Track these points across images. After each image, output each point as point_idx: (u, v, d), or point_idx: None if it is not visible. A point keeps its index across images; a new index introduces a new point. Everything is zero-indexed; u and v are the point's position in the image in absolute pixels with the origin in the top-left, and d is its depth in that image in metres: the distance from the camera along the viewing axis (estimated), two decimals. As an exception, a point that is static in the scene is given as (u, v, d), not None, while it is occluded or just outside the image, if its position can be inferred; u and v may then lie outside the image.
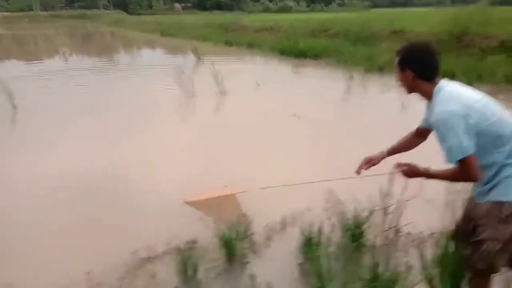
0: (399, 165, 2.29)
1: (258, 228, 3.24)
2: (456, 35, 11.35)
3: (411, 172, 2.22)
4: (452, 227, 2.51)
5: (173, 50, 19.19)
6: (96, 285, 2.64)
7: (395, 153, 2.51)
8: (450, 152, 1.92)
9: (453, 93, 1.96)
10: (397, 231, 3.13)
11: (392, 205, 3.08)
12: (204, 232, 3.15)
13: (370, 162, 2.49)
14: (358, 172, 2.51)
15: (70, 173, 4.48)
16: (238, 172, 4.45)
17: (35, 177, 4.46)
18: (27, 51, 20.19)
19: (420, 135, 2.39)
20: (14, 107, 7.45)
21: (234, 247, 2.94)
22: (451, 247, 2.32)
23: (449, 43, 11.31)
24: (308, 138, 5.64)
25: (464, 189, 3.52)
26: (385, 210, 3.16)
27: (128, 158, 4.97)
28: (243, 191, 3.69)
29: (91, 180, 4.32)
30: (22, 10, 71.98)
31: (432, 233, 3.13)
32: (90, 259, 2.94)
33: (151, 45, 22.17)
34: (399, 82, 2.15)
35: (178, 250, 2.81)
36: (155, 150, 5.28)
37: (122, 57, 16.99)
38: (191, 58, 14.09)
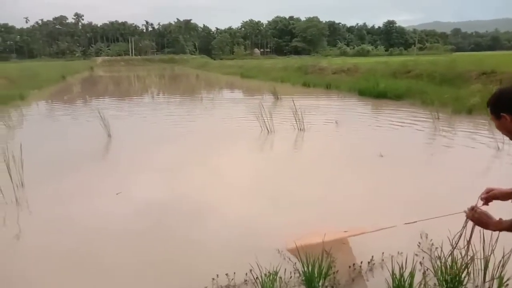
0: (472, 209, 2.15)
1: (342, 268, 3.07)
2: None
3: (479, 222, 2.14)
4: None
5: (252, 91, 19.91)
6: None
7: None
8: None
9: None
10: (503, 283, 2.76)
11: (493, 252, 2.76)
12: (284, 264, 3.06)
13: (490, 193, 2.28)
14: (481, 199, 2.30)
15: (154, 198, 4.69)
16: (323, 210, 4.33)
17: (123, 200, 4.74)
18: (122, 90, 22.24)
19: None
20: (109, 135, 8.20)
21: (316, 284, 2.80)
22: None
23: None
24: (393, 177, 5.36)
25: None
26: (486, 259, 2.84)
27: (210, 186, 5.11)
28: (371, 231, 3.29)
29: (170, 206, 4.48)
30: (119, 55, 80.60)
31: (546, 289, 2.71)
32: (170, 284, 2.98)
33: (232, 85, 23.26)
34: (500, 131, 2.06)
35: (258, 281, 2.74)
36: (236, 181, 5.37)
37: (205, 96, 17.98)
38: (269, 98, 14.48)
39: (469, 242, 2.57)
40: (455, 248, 2.62)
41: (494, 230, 2.13)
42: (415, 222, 2.69)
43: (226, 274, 2.98)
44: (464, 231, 2.53)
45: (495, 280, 2.79)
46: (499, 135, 7.10)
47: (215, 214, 4.25)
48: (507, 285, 2.75)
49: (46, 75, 26.39)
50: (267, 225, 3.89)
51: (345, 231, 3.45)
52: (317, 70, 23.22)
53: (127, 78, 31.53)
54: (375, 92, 13.61)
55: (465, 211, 2.23)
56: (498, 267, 2.77)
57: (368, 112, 11.66)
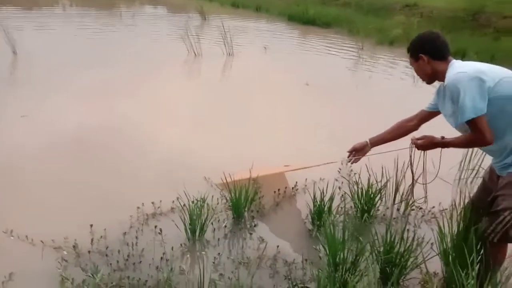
0: (415, 139, 2.32)
1: (268, 193, 3.17)
2: (471, 13, 11.03)
3: (428, 143, 2.27)
4: (463, 202, 2.46)
5: (177, 8, 18.58)
6: (100, 238, 2.57)
7: (379, 144, 2.63)
8: (463, 112, 1.92)
9: (467, 62, 2.05)
10: (408, 205, 3.07)
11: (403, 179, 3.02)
12: (211, 192, 3.07)
13: (356, 154, 2.68)
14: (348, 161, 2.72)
15: (71, 127, 4.35)
16: (243, 140, 4.35)
17: (36, 126, 4.33)
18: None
19: (420, 120, 2.45)
20: (14, 52, 7.24)
21: (242, 209, 2.87)
22: (465, 221, 2.25)
23: (463, 21, 11.02)
24: (320, 107, 5.49)
25: (476, 167, 3.48)
26: (397, 184, 3.11)
27: (132, 114, 4.81)
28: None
29: (94, 135, 4.19)
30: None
31: (444, 209, 3.07)
32: (93, 212, 2.87)
33: (154, 2, 21.46)
34: (418, 74, 2.23)
35: (185, 208, 2.73)
36: (161, 108, 5.12)
37: (124, 12, 16.42)
38: (196, 17, 13.66)
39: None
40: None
41: (440, 146, 2.25)
42: (356, 158, 2.78)
43: (152, 203, 2.93)
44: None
45: (403, 202, 3.09)
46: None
47: (139, 143, 4.06)
48: (413, 206, 3.06)
49: None
50: (195, 157, 3.80)
51: (285, 166, 3.45)
52: (247, -10, 22.14)
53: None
54: (305, 18, 13.48)
55: (410, 147, 2.43)
56: (406, 192, 3.05)
57: (296, 38, 11.59)
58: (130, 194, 3.10)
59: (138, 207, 2.89)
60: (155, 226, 2.70)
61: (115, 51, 8.17)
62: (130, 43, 9.11)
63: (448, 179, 3.49)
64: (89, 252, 2.44)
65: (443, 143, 2.23)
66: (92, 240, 2.55)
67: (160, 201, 2.95)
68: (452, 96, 1.97)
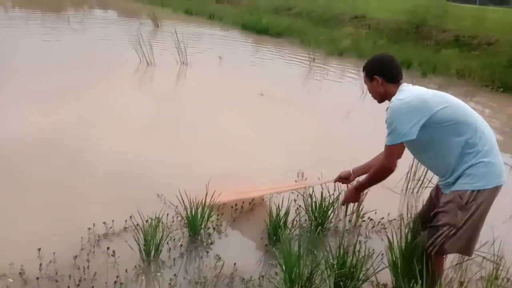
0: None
1: (225, 209, 3.17)
2: (414, 25, 11.70)
3: (351, 196, 2.62)
4: (411, 214, 2.62)
5: (128, 13, 18.17)
6: (49, 263, 2.45)
7: (361, 174, 2.74)
8: (391, 135, 2.11)
9: (412, 90, 2.16)
10: (359, 216, 3.19)
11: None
12: (166, 210, 3.01)
13: (341, 182, 2.88)
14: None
15: (17, 134, 4.11)
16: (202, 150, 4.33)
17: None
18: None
19: None
20: None
21: (198, 227, 2.85)
22: (413, 233, 2.38)
23: (407, 33, 11.66)
24: (275, 118, 5.57)
25: (422, 177, 3.69)
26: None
27: (76, 127, 4.60)
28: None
29: (41, 144, 3.99)
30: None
31: (393, 219, 3.22)
32: (41, 235, 2.71)
33: (105, 5, 20.83)
34: (371, 93, 2.36)
35: (139, 227, 2.66)
36: (110, 120, 4.94)
37: (72, 15, 15.82)
38: (148, 23, 13.41)
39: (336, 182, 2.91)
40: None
41: (359, 189, 2.57)
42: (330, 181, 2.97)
43: (104, 222, 2.83)
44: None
45: (354, 214, 3.21)
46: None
47: (85, 158, 3.88)
48: (363, 217, 3.19)
49: None
50: (147, 172, 3.70)
51: (271, 187, 3.39)
52: (200, -3, 22.08)
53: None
54: (258, 28, 13.67)
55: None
56: (356, 205, 3.17)
57: (250, 48, 11.71)
58: (79, 214, 2.98)
59: (89, 228, 2.78)
60: (108, 248, 2.61)
61: (60, 57, 7.84)
62: (77, 49, 8.79)
63: (396, 190, 3.68)
64: (37, 278, 2.31)
65: (360, 186, 2.50)
66: (40, 265, 2.40)
67: (112, 220, 2.85)
68: (386, 120, 2.14)
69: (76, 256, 2.53)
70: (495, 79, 8.17)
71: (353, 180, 2.80)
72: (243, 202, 3.28)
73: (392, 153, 2.17)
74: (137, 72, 7.50)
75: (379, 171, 2.29)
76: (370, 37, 11.76)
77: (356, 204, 3.13)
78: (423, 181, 3.67)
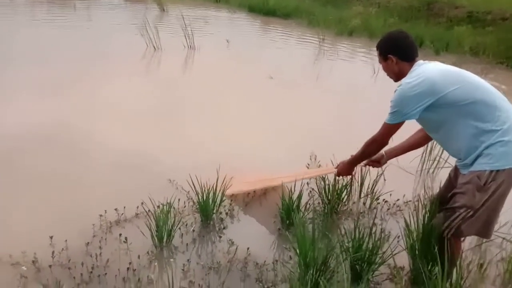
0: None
1: (238, 194, 3.12)
2: (426, 3, 11.39)
3: (342, 167, 2.62)
4: (427, 195, 2.55)
5: (134, 0, 17.96)
6: (61, 251, 2.44)
7: (396, 155, 2.62)
8: (393, 115, 2.12)
9: (424, 68, 2.09)
10: (374, 199, 3.12)
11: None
12: (177, 195, 2.98)
13: (372, 165, 2.72)
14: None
15: (25, 125, 4.08)
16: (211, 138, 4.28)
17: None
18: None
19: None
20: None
21: (210, 212, 2.82)
22: (431, 215, 2.31)
23: (418, 11, 11.36)
24: (282, 101, 5.47)
25: (437, 157, 3.60)
26: (362, 178, 3.16)
27: (86, 116, 4.54)
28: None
29: (49, 134, 3.96)
30: None
31: (408, 201, 3.15)
32: (53, 223, 2.69)
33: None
34: (386, 72, 2.30)
35: (151, 213, 2.64)
36: (119, 108, 4.84)
37: (78, 3, 15.71)
38: (154, 8, 13.25)
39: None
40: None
41: (353, 164, 2.58)
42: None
43: (115, 209, 2.81)
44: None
45: (368, 196, 3.14)
46: (375, 58, 7.73)
47: (98, 146, 3.83)
48: (378, 199, 3.12)
49: None
50: (157, 159, 3.64)
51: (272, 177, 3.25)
52: (205, -20, 21.74)
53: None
54: (265, 9, 13.40)
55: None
56: (371, 186, 3.10)
57: (258, 30, 11.52)
58: (91, 202, 2.96)
59: (100, 215, 2.76)
60: (120, 234, 2.59)
61: (68, 45, 7.77)
62: (84, 36, 8.70)
63: (411, 170, 3.60)
64: (50, 266, 2.30)
65: (353, 160, 2.51)
66: (53, 253, 2.39)
67: (124, 207, 2.83)
68: (391, 100, 2.13)
69: (88, 243, 2.52)
70: (510, 55, 7.92)
71: (385, 163, 2.67)
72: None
73: (389, 131, 2.20)
74: (144, 58, 7.42)
75: (371, 145, 2.31)
76: (380, 15, 11.45)
77: (372, 186, 3.07)
78: (438, 161, 3.58)
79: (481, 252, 2.50)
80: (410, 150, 2.59)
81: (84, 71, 6.08)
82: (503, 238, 2.68)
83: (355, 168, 2.66)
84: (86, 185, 3.23)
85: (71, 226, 2.66)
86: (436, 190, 2.75)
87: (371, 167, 2.77)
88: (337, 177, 2.85)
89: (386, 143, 2.28)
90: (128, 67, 6.65)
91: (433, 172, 3.66)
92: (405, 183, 3.48)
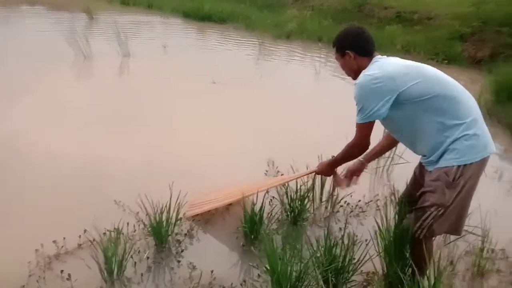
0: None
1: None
2: (357, 5, 11.81)
3: (322, 167, 2.47)
4: (387, 193, 2.50)
5: (59, 6, 16.83)
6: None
7: (374, 158, 2.55)
8: (361, 114, 1.99)
9: (383, 62, 2.02)
10: (336, 202, 3.02)
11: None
12: (125, 218, 2.66)
13: (354, 175, 2.55)
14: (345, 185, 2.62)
15: None
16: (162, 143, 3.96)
17: None
18: None
19: None
20: None
21: (165, 234, 2.53)
22: (400, 216, 2.23)
23: (351, 12, 11.75)
24: (229, 106, 5.26)
25: (391, 154, 3.59)
26: (322, 183, 3.05)
27: (16, 126, 4.06)
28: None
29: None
30: None
31: (370, 201, 3.09)
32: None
33: (32, 3, 19.22)
34: (344, 70, 2.20)
35: (96, 243, 2.31)
36: (46, 119, 4.38)
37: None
38: (82, 16, 12.45)
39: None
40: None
41: (333, 166, 2.43)
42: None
43: (54, 241, 2.44)
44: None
45: (329, 200, 3.03)
46: (315, 59, 7.85)
47: (29, 166, 3.40)
48: (340, 202, 3.02)
49: None
50: (97, 175, 3.29)
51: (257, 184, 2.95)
52: (135, -14, 20.98)
53: None
54: (200, 15, 13.14)
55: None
56: (331, 189, 2.99)
57: (195, 35, 11.21)
58: (23, 235, 2.55)
59: (36, 250, 2.39)
60: (61, 271, 2.24)
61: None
62: (4, 46, 7.89)
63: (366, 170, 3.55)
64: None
65: (334, 161, 2.37)
66: (-23, 304, 2.01)
67: (64, 238, 2.47)
68: (354, 97, 2.02)
69: (23, 286, 2.15)
70: (439, 51, 8.39)
71: (365, 168, 2.55)
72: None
73: (363, 131, 2.06)
74: (72, 68, 6.84)
75: (353, 148, 2.18)
76: (315, 18, 11.68)
77: (332, 189, 2.96)
78: (393, 158, 3.57)
79: (449, 247, 2.47)
80: (385, 152, 2.59)
81: (7, 83, 5.45)
82: (466, 231, 2.68)
83: (335, 170, 2.51)
84: (17, 214, 2.79)
85: (1, 267, 2.25)
86: (394, 187, 2.71)
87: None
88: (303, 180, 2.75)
89: (367, 144, 2.13)
90: (56, 78, 6.06)
91: (387, 170, 3.64)
92: (362, 182, 3.35)
